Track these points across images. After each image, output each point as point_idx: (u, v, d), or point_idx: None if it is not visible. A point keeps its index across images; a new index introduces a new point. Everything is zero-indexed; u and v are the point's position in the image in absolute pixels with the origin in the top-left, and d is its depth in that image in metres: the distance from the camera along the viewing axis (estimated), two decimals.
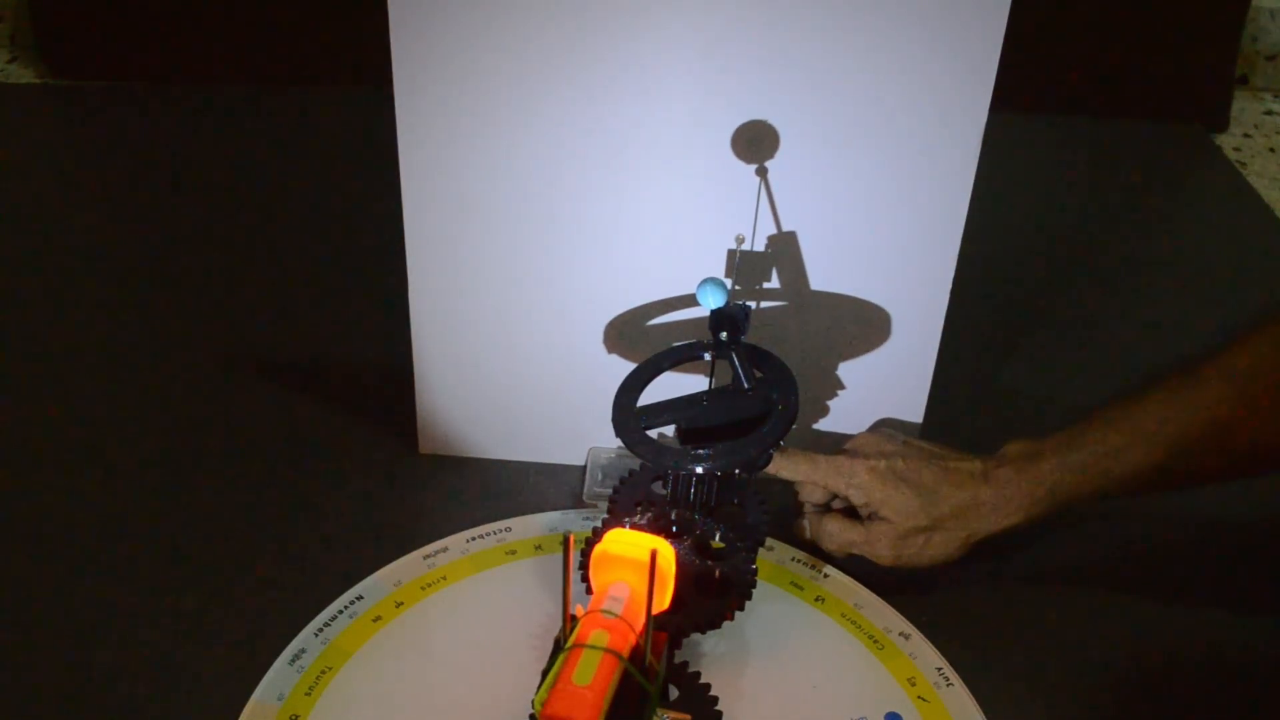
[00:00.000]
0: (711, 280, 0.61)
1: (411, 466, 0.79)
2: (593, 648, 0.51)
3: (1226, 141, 1.31)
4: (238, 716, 0.62)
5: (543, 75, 0.67)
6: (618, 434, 0.63)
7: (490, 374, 0.76)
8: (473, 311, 0.75)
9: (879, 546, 0.69)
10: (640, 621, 0.54)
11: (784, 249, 0.72)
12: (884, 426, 0.76)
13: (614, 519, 0.62)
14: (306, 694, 0.63)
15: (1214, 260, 1.09)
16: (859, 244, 0.72)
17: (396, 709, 0.63)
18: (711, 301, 0.62)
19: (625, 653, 0.52)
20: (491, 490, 0.77)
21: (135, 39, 1.28)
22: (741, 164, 0.69)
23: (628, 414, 0.64)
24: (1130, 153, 1.26)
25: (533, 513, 0.75)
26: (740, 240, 0.69)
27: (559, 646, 0.55)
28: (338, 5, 1.21)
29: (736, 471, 0.62)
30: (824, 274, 0.73)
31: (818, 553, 0.72)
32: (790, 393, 0.63)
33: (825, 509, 0.72)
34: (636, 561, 0.54)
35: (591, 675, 0.50)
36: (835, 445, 0.73)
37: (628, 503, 0.66)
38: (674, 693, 0.60)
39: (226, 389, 0.86)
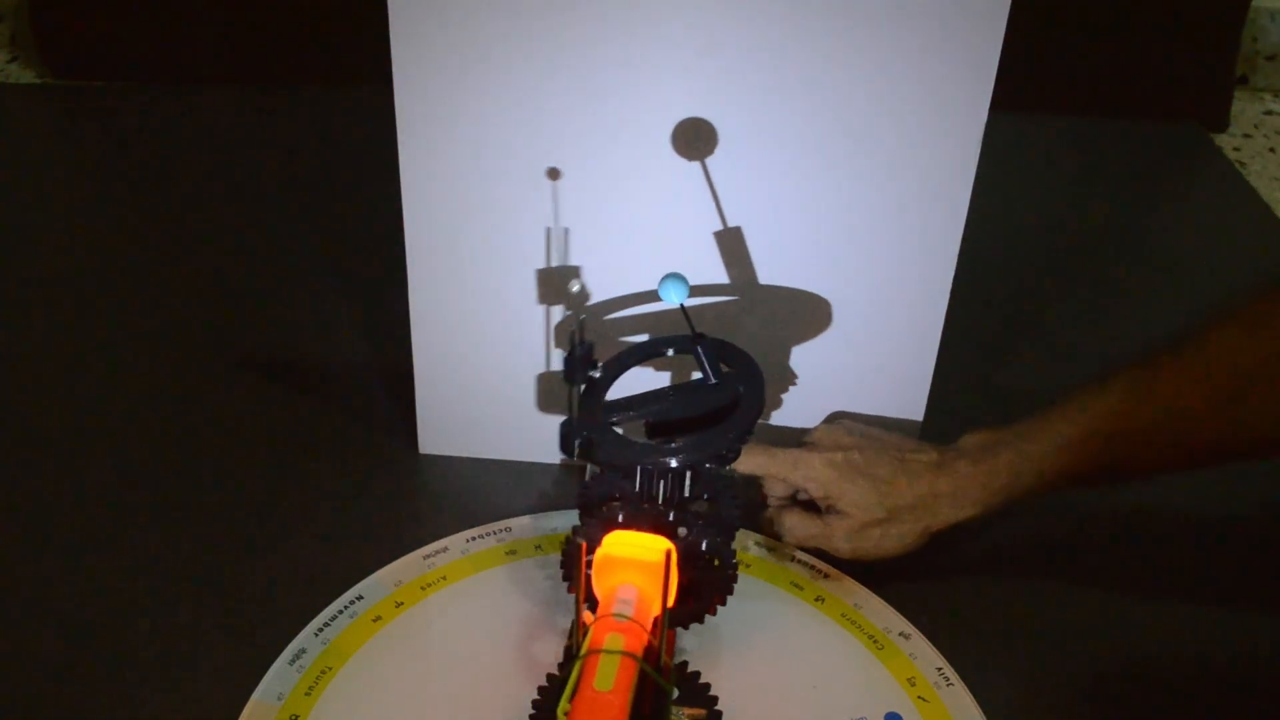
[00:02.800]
0: (673, 276, 0.60)
1: (411, 466, 0.79)
2: (609, 652, 0.51)
3: (1226, 141, 1.31)
4: (238, 716, 0.62)
5: (543, 75, 0.67)
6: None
7: (490, 374, 0.76)
8: (473, 311, 0.75)
9: (836, 539, 0.69)
10: (649, 621, 0.53)
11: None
12: (841, 418, 0.77)
13: (586, 519, 0.62)
14: (306, 694, 0.63)
15: (1214, 260, 1.09)
16: (859, 244, 0.72)
17: (396, 709, 0.63)
18: (675, 297, 0.60)
19: (640, 654, 0.52)
20: (491, 490, 0.77)
21: (135, 39, 1.28)
22: (743, 164, 0.69)
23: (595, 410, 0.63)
24: (1130, 153, 1.25)
25: (533, 513, 0.75)
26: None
27: (570, 655, 0.54)
28: (338, 5, 1.21)
29: (707, 466, 0.62)
30: (823, 274, 0.73)
31: (819, 552, 0.72)
32: (756, 384, 0.63)
33: (790, 501, 0.72)
34: (641, 562, 0.54)
35: (612, 680, 0.50)
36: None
37: (595, 502, 0.65)
38: (674, 693, 0.60)
39: (226, 388, 0.86)
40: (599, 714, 0.49)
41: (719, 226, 0.71)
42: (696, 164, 0.69)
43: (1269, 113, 1.39)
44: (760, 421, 0.75)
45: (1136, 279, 1.04)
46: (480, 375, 0.77)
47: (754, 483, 0.73)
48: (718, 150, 0.69)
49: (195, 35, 1.28)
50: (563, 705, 0.50)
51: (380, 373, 0.86)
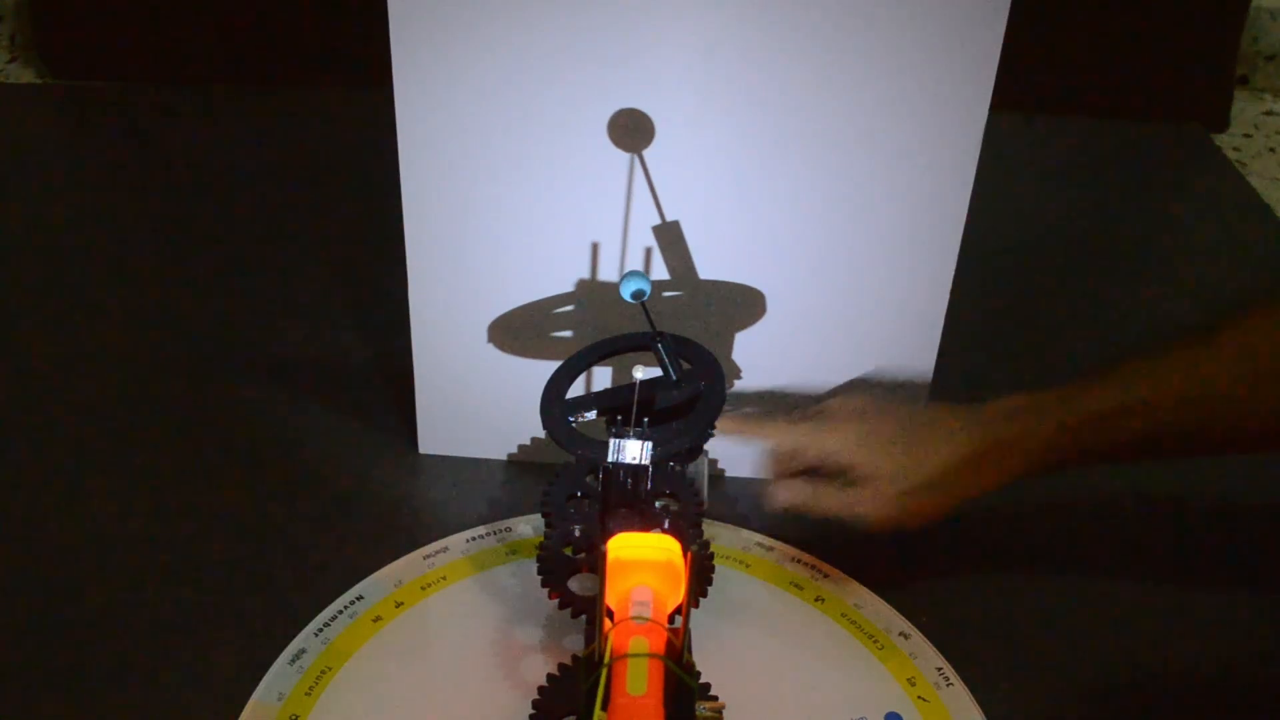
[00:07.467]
0: (634, 273, 0.60)
1: (411, 466, 0.79)
2: (637, 656, 0.51)
3: (1226, 141, 1.31)
4: (238, 716, 0.62)
5: (543, 75, 0.67)
6: (547, 430, 0.62)
7: (490, 374, 0.76)
8: (473, 311, 0.75)
9: (864, 509, 0.66)
10: (666, 620, 0.53)
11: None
12: (855, 387, 0.75)
13: (557, 521, 0.63)
14: (306, 694, 0.63)
15: (1214, 260, 1.09)
16: (859, 244, 0.72)
17: (396, 709, 0.63)
18: (637, 294, 0.60)
19: (664, 653, 0.52)
20: (491, 490, 0.77)
21: (135, 39, 1.28)
22: (744, 163, 0.69)
23: (557, 408, 0.63)
24: (1130, 153, 1.26)
25: (533, 513, 0.75)
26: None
27: (588, 663, 0.54)
28: (338, 5, 1.21)
29: (671, 464, 0.62)
30: (826, 274, 0.73)
31: (818, 552, 0.71)
32: (717, 377, 0.62)
33: (800, 474, 0.69)
34: (653, 563, 0.54)
35: (645, 684, 0.49)
36: None
37: (560, 503, 0.65)
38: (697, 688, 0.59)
39: (226, 388, 0.86)
40: (639, 718, 0.49)
41: (721, 227, 0.71)
42: (699, 163, 0.69)
43: (1269, 113, 1.39)
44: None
45: (1137, 279, 1.04)
46: (480, 375, 0.77)
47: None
48: (721, 150, 0.69)
49: (195, 35, 1.27)
50: (597, 714, 0.49)
51: (380, 373, 0.86)
